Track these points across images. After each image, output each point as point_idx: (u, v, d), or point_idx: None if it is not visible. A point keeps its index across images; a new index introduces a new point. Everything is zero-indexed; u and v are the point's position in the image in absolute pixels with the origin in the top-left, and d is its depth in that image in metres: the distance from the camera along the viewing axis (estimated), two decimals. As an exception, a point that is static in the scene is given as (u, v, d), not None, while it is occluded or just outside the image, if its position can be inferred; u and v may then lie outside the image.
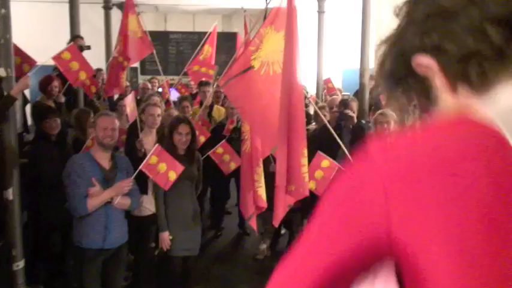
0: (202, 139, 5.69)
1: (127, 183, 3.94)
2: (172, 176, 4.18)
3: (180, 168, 4.23)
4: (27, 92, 7.43)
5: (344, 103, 5.71)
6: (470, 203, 0.68)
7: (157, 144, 4.26)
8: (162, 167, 4.14)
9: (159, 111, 5.09)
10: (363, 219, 0.74)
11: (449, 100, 0.80)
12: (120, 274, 4.26)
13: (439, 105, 0.82)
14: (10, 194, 4.42)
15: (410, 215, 0.71)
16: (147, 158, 4.12)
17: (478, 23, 0.73)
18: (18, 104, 4.83)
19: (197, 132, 5.50)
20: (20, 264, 4.48)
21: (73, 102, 7.16)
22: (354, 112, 5.71)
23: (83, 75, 5.67)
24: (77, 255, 3.96)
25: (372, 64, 6.95)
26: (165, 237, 4.34)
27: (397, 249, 0.73)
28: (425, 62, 0.80)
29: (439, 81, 0.80)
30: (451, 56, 0.76)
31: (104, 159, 3.97)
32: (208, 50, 8.65)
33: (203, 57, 8.56)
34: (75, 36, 7.27)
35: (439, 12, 0.77)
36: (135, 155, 4.64)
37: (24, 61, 5.34)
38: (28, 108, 7.13)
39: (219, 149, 5.72)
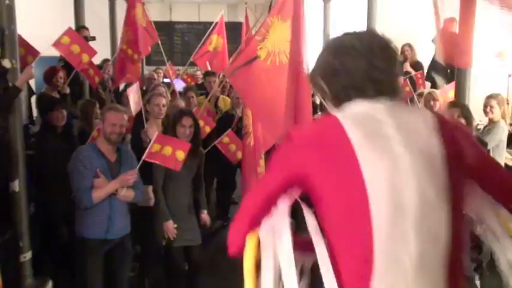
0: (207, 129, 5.67)
1: (132, 175, 3.92)
2: (181, 155, 4.14)
3: (187, 145, 4.21)
4: (32, 84, 7.43)
5: None
6: (329, 151, 1.42)
7: (156, 133, 4.23)
8: (168, 150, 4.11)
9: (164, 101, 5.07)
10: (289, 166, 1.48)
11: (329, 107, 1.61)
12: (126, 264, 4.26)
13: (328, 108, 1.63)
14: (16, 185, 4.42)
15: (312, 163, 1.43)
16: (148, 148, 4.07)
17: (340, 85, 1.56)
18: (23, 95, 4.82)
19: (202, 123, 5.51)
20: (27, 256, 4.48)
21: (78, 94, 7.16)
22: None
23: (85, 58, 5.65)
24: (80, 246, 3.96)
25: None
26: (170, 226, 4.33)
27: (306, 182, 1.44)
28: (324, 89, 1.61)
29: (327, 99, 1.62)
30: (330, 93, 1.59)
31: (109, 151, 3.96)
32: (219, 41, 8.55)
33: (213, 47, 8.47)
34: (80, 27, 7.26)
35: (332, 71, 1.57)
36: (141, 146, 4.63)
37: (28, 52, 5.33)
38: (33, 99, 7.11)
39: (225, 138, 5.70)
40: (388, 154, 1.38)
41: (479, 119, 5.78)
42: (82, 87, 7.31)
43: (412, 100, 6.87)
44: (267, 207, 1.50)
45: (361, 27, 7.11)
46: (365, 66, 1.50)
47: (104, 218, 3.89)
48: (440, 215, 1.37)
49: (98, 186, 3.79)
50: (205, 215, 4.82)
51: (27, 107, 6.77)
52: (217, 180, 7.35)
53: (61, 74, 6.28)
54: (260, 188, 1.59)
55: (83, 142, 4.77)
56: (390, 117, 1.43)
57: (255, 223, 1.52)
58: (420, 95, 6.17)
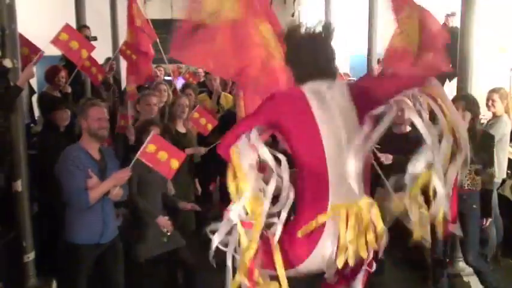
0: (209, 127, 5.67)
1: (126, 173, 3.81)
2: (175, 164, 4.05)
3: (182, 155, 4.14)
4: (34, 83, 7.43)
5: None
6: (296, 107, 2.33)
7: (152, 132, 4.09)
8: (163, 155, 3.99)
9: (155, 100, 5.04)
10: (269, 112, 2.36)
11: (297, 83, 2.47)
12: (119, 266, 4.07)
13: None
14: (19, 185, 4.41)
15: (284, 112, 2.32)
16: (143, 146, 3.94)
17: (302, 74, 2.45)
18: (24, 94, 4.81)
19: (204, 121, 5.51)
20: (31, 256, 4.47)
21: (80, 93, 7.15)
22: None
23: (84, 54, 5.60)
24: (72, 253, 3.78)
25: (380, 49, 6.90)
26: (163, 220, 4.28)
27: (278, 124, 2.34)
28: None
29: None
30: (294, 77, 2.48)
31: (94, 150, 3.83)
32: None
33: None
34: (81, 26, 7.25)
35: (291, 63, 2.51)
36: (126, 144, 4.62)
37: (32, 51, 5.32)
38: (34, 99, 7.10)
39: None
40: (329, 112, 2.31)
41: (482, 114, 5.76)
42: (84, 87, 7.29)
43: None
44: (247, 131, 2.36)
45: (363, 22, 7.12)
46: (313, 60, 2.42)
47: (99, 222, 3.78)
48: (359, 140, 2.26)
49: (92, 186, 3.66)
50: (184, 204, 4.76)
51: (29, 107, 6.76)
52: (219, 178, 7.34)
53: (63, 73, 6.27)
54: (246, 120, 2.54)
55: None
56: (329, 91, 2.36)
57: (238, 138, 2.37)
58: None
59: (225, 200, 7.15)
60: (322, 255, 2.27)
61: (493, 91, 5.26)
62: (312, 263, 2.32)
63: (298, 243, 2.28)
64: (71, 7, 7.71)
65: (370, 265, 2.35)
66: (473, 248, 4.36)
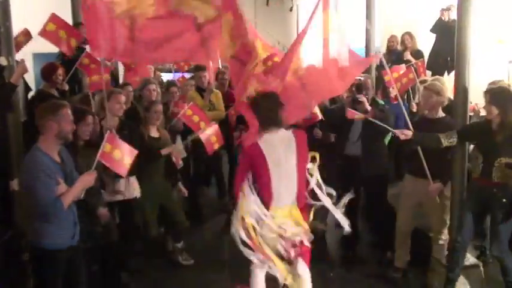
0: (202, 125, 5.66)
1: (92, 176, 3.73)
2: (128, 161, 4.08)
3: (134, 152, 4.15)
4: (32, 80, 7.41)
5: (357, 87, 5.48)
6: (256, 154, 3.88)
7: (108, 131, 4.06)
8: (117, 153, 4.00)
9: (123, 99, 5.01)
10: (247, 161, 3.99)
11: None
12: (82, 267, 3.97)
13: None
14: (16, 184, 4.40)
15: (253, 159, 3.90)
16: (102, 147, 3.92)
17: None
18: (20, 92, 4.79)
19: (197, 118, 5.53)
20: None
21: (77, 91, 7.13)
22: (372, 88, 5.59)
23: (73, 42, 5.57)
24: (49, 259, 3.64)
25: (378, 43, 6.85)
26: (104, 211, 4.43)
27: (251, 165, 3.94)
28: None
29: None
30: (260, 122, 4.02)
31: (55, 152, 3.63)
32: None
33: None
34: (77, 24, 7.21)
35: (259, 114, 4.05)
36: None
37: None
38: (30, 97, 7.07)
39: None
40: (274, 153, 3.85)
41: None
42: (81, 84, 7.27)
43: (413, 88, 6.88)
44: (245, 174, 3.94)
45: (361, 17, 7.10)
46: (269, 113, 3.91)
47: (71, 224, 3.72)
48: (293, 169, 3.89)
49: (61, 192, 3.51)
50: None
51: (25, 104, 6.73)
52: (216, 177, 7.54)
53: (60, 71, 6.24)
54: (240, 169, 4.06)
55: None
56: (276, 137, 3.89)
57: (242, 181, 3.93)
58: (422, 82, 6.15)
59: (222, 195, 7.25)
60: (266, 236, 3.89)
61: (493, 84, 5.24)
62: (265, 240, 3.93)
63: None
64: (66, 4, 7.66)
65: (303, 248, 3.93)
66: (500, 239, 4.33)
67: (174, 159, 5.44)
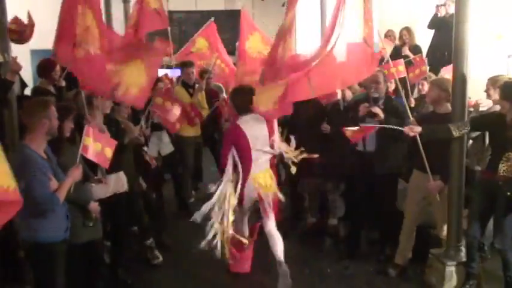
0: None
1: (79, 170, 3.79)
2: (109, 153, 4.15)
3: (113, 143, 4.24)
4: (30, 77, 7.38)
5: (374, 99, 5.24)
6: (239, 133, 4.82)
7: (86, 126, 4.08)
8: (98, 146, 4.06)
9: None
10: (230, 138, 4.89)
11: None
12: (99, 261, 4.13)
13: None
14: (12, 180, 4.37)
15: (236, 137, 4.82)
16: (82, 141, 3.96)
17: None
18: (16, 88, 4.78)
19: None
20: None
21: (74, 87, 7.10)
22: (384, 82, 5.32)
23: None
24: (41, 252, 3.65)
25: (376, 39, 6.84)
26: (95, 205, 4.21)
27: (235, 143, 4.84)
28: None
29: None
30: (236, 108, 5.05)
31: (42, 150, 3.65)
32: (204, 44, 8.21)
33: (196, 49, 8.13)
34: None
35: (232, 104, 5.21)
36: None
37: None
38: (27, 92, 7.04)
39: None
40: (252, 131, 4.81)
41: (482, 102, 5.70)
42: (76, 81, 7.22)
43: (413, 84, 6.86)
44: (230, 147, 4.82)
45: (357, 9, 7.06)
46: (244, 102, 4.86)
47: (64, 217, 3.77)
48: (266, 139, 4.93)
49: (54, 188, 3.57)
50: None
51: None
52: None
53: (58, 67, 6.21)
54: (225, 148, 4.86)
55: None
56: (252, 120, 4.86)
57: (228, 153, 4.82)
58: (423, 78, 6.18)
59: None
60: (249, 196, 4.87)
61: (492, 79, 5.20)
62: (247, 200, 4.89)
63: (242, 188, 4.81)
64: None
65: (275, 206, 4.96)
66: (504, 232, 4.33)
67: (147, 158, 5.59)
